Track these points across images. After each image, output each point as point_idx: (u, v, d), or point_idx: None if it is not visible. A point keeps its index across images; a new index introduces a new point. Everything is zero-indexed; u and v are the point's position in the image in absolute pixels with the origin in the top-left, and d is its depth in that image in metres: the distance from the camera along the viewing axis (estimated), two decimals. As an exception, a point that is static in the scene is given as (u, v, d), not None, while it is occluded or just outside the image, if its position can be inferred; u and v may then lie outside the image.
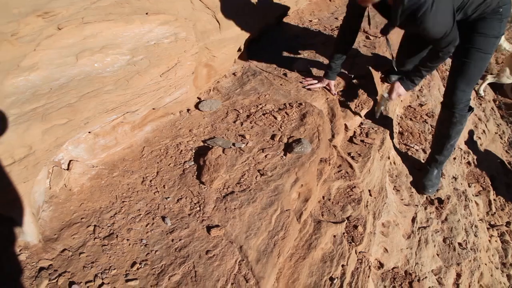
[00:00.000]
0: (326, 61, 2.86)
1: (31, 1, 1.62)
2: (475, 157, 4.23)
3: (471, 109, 2.30)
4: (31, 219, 1.44)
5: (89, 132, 1.76)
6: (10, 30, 1.51)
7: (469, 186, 3.61)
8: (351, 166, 2.21)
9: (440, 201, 2.62)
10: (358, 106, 2.52)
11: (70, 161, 1.72)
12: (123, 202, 1.64)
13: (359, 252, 1.87)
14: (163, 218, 1.57)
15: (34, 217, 1.45)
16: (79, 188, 1.68)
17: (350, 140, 2.46)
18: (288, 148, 1.89)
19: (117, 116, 1.78)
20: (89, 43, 1.76)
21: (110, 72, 1.67)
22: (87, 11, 1.79)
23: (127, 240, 1.48)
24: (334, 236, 1.84)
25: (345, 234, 1.90)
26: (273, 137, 1.97)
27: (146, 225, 1.54)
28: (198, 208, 1.61)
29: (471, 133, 4.43)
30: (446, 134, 2.39)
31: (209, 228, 1.52)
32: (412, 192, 2.56)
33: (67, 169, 1.70)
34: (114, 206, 1.62)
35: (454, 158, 3.30)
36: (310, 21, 3.58)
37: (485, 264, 2.61)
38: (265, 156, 1.86)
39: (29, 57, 1.56)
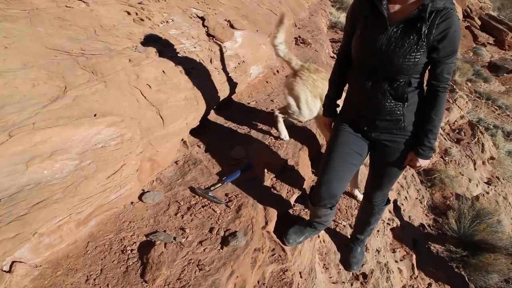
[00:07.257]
0: (265, 144, 3.16)
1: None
2: (399, 223, 4.69)
3: (388, 201, 2.47)
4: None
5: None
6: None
7: (394, 252, 3.99)
8: (283, 250, 2.44)
9: (364, 276, 2.91)
10: (290, 191, 2.81)
11: (13, 262, 1.76)
12: (65, 304, 1.71)
13: (290, 338, 2.06)
14: (105, 319, 1.66)
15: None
16: (20, 291, 1.73)
17: (283, 222, 2.71)
18: (225, 241, 2.09)
19: (63, 217, 1.88)
20: (39, 149, 1.85)
21: (59, 179, 1.78)
22: (38, 116, 1.88)
23: None
24: (267, 322, 2.02)
25: (277, 320, 2.08)
26: (211, 230, 2.17)
27: (88, 328, 1.62)
28: (139, 308, 1.73)
29: (395, 201, 4.93)
30: (366, 221, 2.61)
31: (149, 329, 1.64)
32: (340, 269, 2.83)
33: (9, 271, 1.74)
34: (57, 308, 1.69)
35: (378, 231, 3.67)
36: (248, 103, 3.94)
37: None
38: (204, 250, 2.04)
39: (-22, 167, 1.63)
